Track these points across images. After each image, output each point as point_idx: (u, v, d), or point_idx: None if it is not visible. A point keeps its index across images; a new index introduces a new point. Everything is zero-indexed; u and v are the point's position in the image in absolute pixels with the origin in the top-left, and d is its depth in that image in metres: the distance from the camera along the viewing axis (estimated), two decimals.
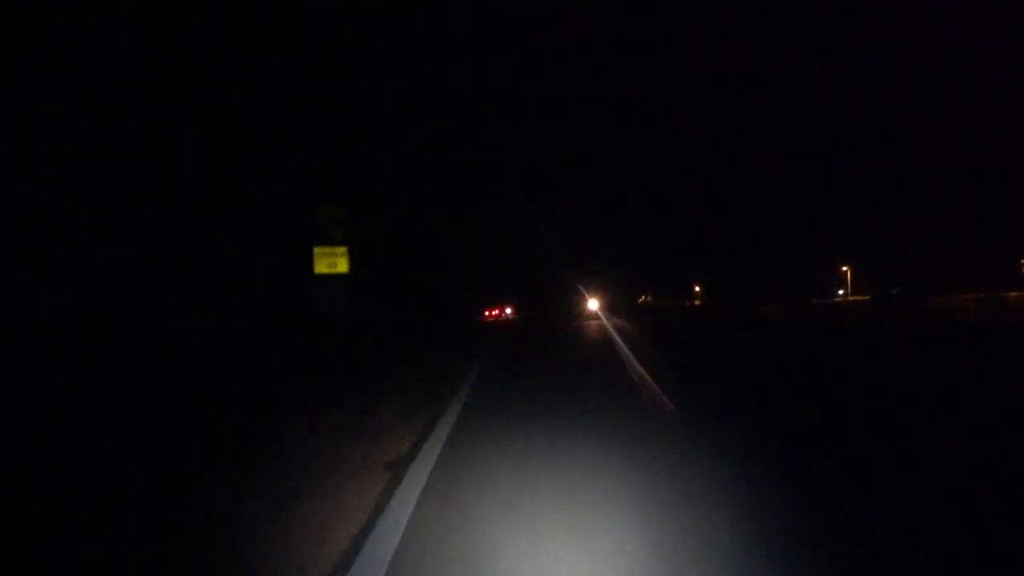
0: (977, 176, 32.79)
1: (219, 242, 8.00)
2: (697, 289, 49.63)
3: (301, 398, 5.85)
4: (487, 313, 46.02)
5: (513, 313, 48.10)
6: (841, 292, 43.16)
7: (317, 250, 5.73)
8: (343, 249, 5.71)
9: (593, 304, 38.85)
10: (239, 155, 8.64)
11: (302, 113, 11.05)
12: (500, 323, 33.25)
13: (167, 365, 7.00)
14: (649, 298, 52.93)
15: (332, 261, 5.68)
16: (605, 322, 24.49)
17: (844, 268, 38.20)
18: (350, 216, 5.88)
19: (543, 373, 7.81)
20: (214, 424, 4.79)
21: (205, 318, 7.74)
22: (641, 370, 7.16)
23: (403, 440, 4.02)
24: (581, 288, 39.96)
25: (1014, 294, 22.84)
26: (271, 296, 8.31)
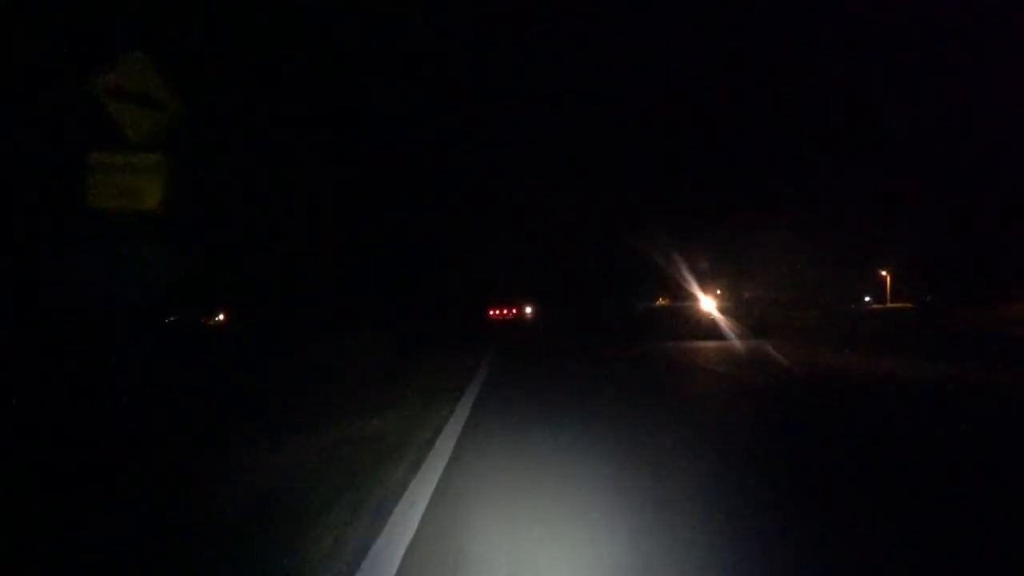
0: (978, 177, 30.16)
1: None
2: (718, 292, 46.57)
3: None
4: (492, 313, 43.46)
5: (532, 315, 44.47)
6: (867, 299, 40.11)
7: (95, 158, 2.49)
8: (153, 158, 2.47)
9: (708, 304, 19.77)
10: None
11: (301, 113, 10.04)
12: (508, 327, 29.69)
13: None
14: (666, 301, 49.93)
15: (124, 185, 2.44)
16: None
17: (884, 272, 35.07)
18: (186, 88, 2.67)
19: None
20: None
21: None
22: None
23: None
24: (681, 265, 19.95)
25: None
26: None
